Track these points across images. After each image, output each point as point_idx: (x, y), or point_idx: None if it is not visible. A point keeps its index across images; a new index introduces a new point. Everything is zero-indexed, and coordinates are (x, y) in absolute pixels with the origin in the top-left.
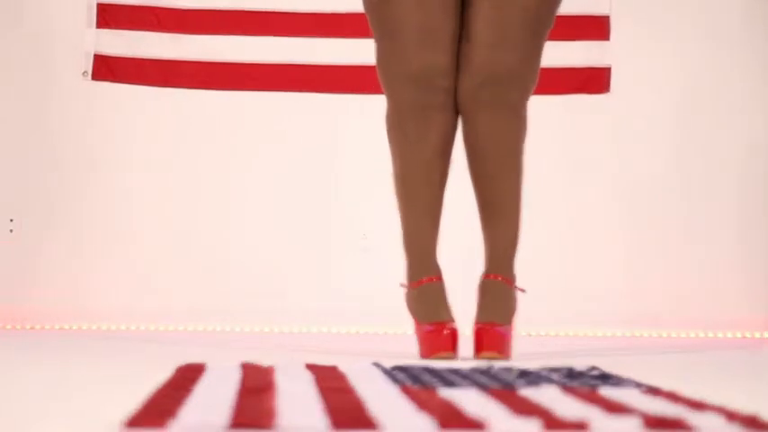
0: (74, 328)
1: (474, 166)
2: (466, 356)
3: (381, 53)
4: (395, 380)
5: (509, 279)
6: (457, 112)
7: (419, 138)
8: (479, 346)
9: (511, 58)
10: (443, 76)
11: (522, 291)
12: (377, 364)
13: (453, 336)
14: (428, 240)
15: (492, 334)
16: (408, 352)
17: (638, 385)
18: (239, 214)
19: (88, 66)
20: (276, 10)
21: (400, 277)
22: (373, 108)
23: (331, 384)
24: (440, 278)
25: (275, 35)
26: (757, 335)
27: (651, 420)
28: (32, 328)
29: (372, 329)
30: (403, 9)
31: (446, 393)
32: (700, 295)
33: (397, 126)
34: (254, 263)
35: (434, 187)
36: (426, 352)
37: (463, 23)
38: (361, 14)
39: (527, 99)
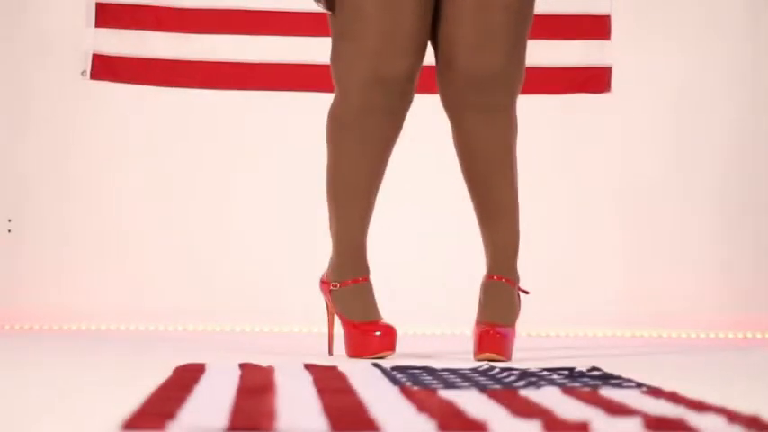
0: (72, 328)
1: (468, 169)
2: (466, 356)
3: (342, 50)
4: (395, 380)
5: (512, 280)
6: (405, 115)
7: (366, 138)
8: (480, 347)
9: (496, 59)
10: (408, 80)
11: (526, 293)
12: (377, 365)
13: (392, 334)
14: (361, 240)
15: (493, 335)
16: (408, 352)
17: (639, 386)
18: (238, 213)
19: (87, 65)
20: (276, 9)
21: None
22: None
23: (331, 385)
24: (368, 278)
25: (275, 35)
26: (758, 335)
27: (652, 421)
28: (31, 328)
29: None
30: (370, 8)
31: (446, 394)
32: (700, 295)
33: (345, 124)
34: (254, 262)
35: (375, 189)
36: (361, 351)
37: (437, 24)
38: None
39: (515, 99)
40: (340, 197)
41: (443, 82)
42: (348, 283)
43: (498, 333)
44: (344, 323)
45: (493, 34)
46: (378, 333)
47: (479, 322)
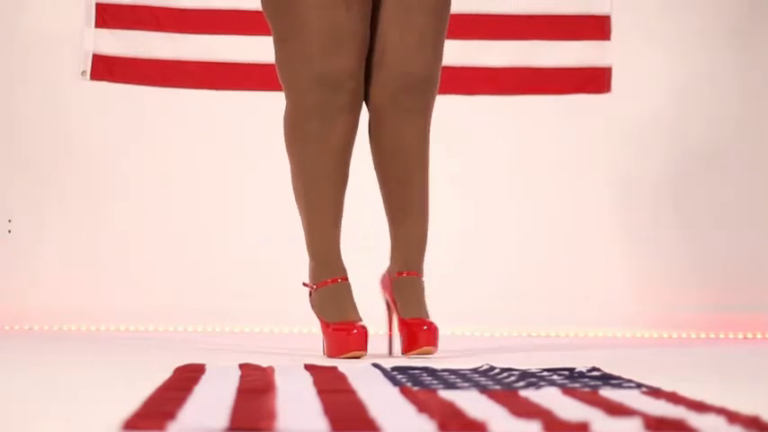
0: (72, 328)
1: (387, 168)
2: (466, 357)
3: (285, 54)
4: (395, 381)
5: (421, 275)
6: (359, 114)
7: (322, 139)
8: (414, 343)
9: (425, 61)
10: (349, 77)
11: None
12: (377, 365)
13: (364, 334)
14: (333, 241)
15: (427, 330)
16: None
17: (639, 386)
18: (239, 214)
19: (87, 65)
20: None
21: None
22: None
23: (331, 385)
24: (345, 278)
25: None
26: (758, 335)
27: (652, 422)
28: (31, 328)
29: (372, 330)
30: (309, 10)
31: (446, 395)
32: (700, 295)
33: (300, 127)
34: (254, 263)
35: (337, 188)
36: (336, 351)
37: (374, 26)
38: None
39: (434, 102)
40: (305, 201)
41: (374, 81)
42: (322, 284)
43: (432, 327)
44: (321, 324)
45: (420, 36)
46: (352, 332)
47: (408, 318)
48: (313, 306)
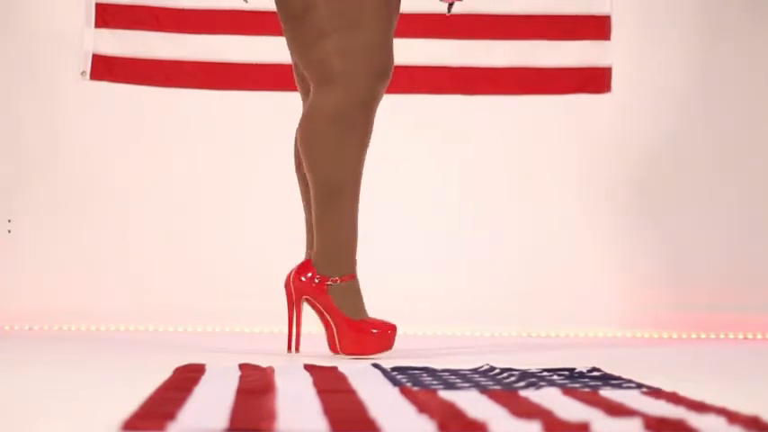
0: (72, 328)
1: None
2: (465, 357)
3: (351, 46)
4: (395, 381)
5: None
6: None
7: (367, 133)
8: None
9: None
10: (391, 72)
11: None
12: (377, 365)
13: (394, 330)
14: (357, 235)
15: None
16: (407, 352)
17: (639, 386)
18: (239, 214)
19: (87, 65)
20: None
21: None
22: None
23: (331, 385)
24: (355, 275)
25: (275, 35)
26: (758, 335)
27: (652, 422)
28: (31, 328)
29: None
30: (371, 5)
31: (446, 395)
32: (700, 296)
33: (355, 120)
34: (254, 263)
35: (360, 182)
36: (373, 349)
37: None
38: None
39: None
40: (338, 193)
41: None
42: (346, 278)
43: None
44: (341, 320)
45: None
46: (387, 332)
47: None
48: (334, 299)
